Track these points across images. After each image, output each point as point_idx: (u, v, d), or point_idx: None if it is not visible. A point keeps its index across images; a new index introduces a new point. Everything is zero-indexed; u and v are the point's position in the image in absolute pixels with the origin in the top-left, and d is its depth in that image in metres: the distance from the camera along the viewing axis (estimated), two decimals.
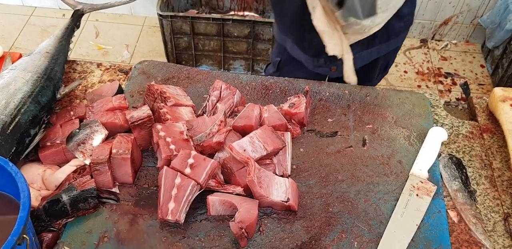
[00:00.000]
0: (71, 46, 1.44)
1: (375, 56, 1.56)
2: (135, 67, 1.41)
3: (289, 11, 1.40)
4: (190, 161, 1.04)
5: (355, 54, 1.44)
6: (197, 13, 3.00)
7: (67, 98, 1.33)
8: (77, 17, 1.50)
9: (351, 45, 1.42)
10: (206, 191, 1.05)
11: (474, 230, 1.07)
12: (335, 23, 1.31)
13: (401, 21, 1.48)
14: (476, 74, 3.08)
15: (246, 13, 3.00)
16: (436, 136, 1.20)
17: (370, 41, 1.47)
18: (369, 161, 1.18)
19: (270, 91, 1.33)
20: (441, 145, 1.21)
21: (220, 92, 1.24)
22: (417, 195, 1.10)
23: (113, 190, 1.08)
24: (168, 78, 1.37)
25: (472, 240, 1.05)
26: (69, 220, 1.04)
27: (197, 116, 1.22)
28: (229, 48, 2.75)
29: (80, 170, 1.10)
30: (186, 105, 1.21)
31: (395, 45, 1.60)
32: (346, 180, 1.13)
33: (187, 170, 1.03)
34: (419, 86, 2.99)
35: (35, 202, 1.04)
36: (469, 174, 1.18)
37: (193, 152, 1.06)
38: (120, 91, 1.29)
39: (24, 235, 0.81)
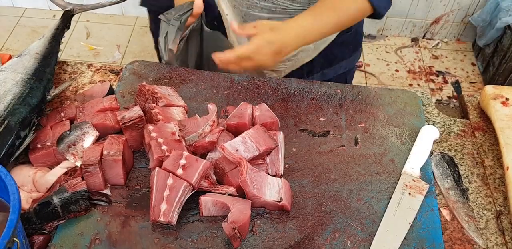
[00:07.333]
0: (61, 47, 1.43)
1: (325, 78, 1.56)
2: (126, 67, 1.40)
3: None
4: (182, 161, 1.04)
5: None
6: None
7: (57, 99, 1.31)
8: (67, 18, 1.48)
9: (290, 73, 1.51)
10: (199, 192, 1.04)
11: (467, 228, 1.07)
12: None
13: (343, 47, 1.51)
14: (467, 72, 3.10)
15: None
16: (428, 135, 1.20)
17: (309, 71, 1.52)
18: (362, 160, 1.18)
19: (262, 91, 1.33)
20: (433, 143, 1.21)
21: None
22: (409, 193, 1.10)
23: (105, 191, 1.07)
24: (160, 79, 1.36)
25: (465, 238, 1.06)
26: (60, 222, 1.03)
27: (189, 116, 1.22)
28: None
29: (71, 172, 1.09)
30: (177, 106, 1.21)
31: (345, 68, 1.60)
32: (339, 179, 1.13)
33: (179, 171, 1.03)
34: (410, 85, 3.00)
35: (26, 204, 1.03)
36: (461, 172, 1.18)
37: (185, 153, 1.05)
38: (111, 92, 1.28)
39: (15, 238, 0.80)
